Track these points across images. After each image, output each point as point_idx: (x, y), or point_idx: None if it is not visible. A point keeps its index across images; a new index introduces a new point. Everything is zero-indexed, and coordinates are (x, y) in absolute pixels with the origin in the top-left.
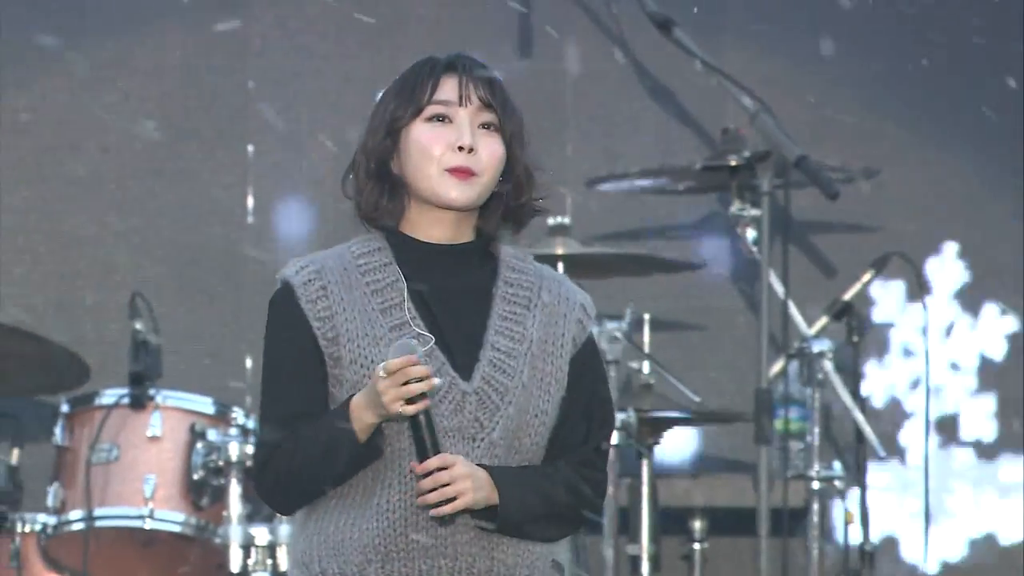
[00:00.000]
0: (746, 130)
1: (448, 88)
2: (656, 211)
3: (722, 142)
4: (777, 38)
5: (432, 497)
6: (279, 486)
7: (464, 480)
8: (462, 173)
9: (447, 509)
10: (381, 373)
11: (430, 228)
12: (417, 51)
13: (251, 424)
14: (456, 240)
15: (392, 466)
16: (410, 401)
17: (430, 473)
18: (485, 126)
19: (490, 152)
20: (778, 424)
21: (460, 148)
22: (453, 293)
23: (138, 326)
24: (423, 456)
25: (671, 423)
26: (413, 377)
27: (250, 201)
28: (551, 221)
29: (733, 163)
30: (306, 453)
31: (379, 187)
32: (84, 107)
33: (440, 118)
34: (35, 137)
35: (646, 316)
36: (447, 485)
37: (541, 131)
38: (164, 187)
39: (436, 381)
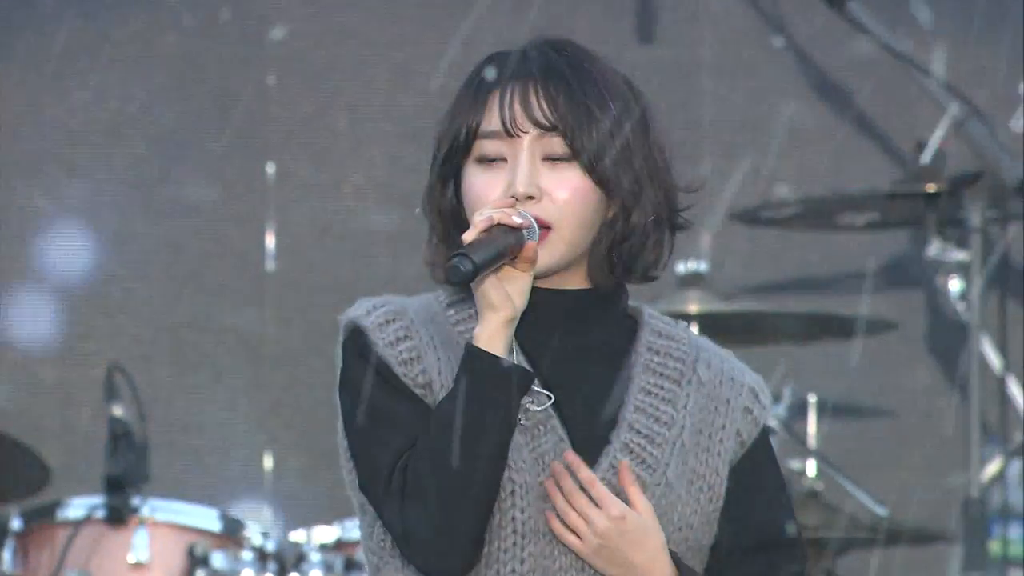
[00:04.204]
0: (950, 143)
1: (495, 115)
2: (826, 254)
3: (916, 160)
4: (996, 13)
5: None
6: (438, 495)
7: (607, 521)
8: None
9: (557, 530)
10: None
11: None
12: (501, 32)
13: (270, 546)
14: (564, 287)
15: (499, 551)
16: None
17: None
18: (554, 158)
19: (563, 190)
20: (994, 546)
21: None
22: (572, 353)
23: (117, 412)
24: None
25: (848, 545)
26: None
27: (271, 240)
28: (681, 268)
29: (931, 189)
30: (446, 424)
31: (448, 246)
32: (45, 111)
33: (492, 158)
34: None
35: (811, 398)
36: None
37: (666, 143)
38: (154, 222)
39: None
